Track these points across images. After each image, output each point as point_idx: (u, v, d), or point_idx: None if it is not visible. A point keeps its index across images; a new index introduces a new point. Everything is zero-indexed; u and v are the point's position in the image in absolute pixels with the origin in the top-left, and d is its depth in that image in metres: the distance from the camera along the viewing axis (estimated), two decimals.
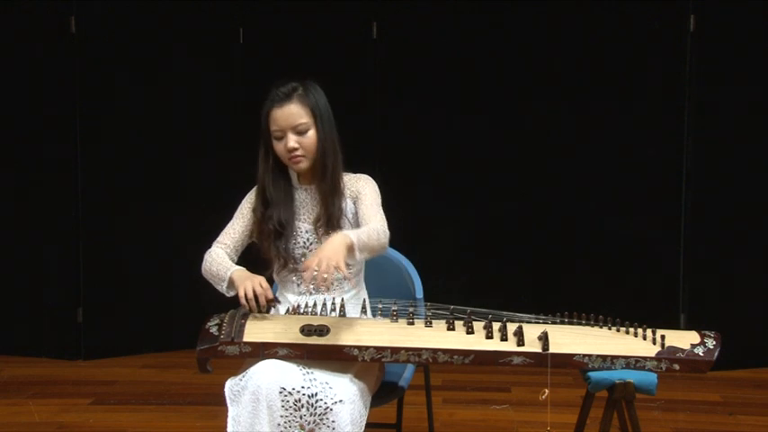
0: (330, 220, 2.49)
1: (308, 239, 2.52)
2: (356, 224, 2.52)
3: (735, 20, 4.20)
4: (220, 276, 2.48)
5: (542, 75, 4.47)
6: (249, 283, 2.37)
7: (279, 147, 2.50)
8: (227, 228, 2.60)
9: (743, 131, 4.24)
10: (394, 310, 2.39)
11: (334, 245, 2.20)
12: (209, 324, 2.32)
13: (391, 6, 4.53)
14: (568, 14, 4.42)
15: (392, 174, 4.23)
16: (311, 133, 2.49)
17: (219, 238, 2.59)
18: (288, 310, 2.47)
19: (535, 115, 4.48)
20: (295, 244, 2.52)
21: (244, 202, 2.62)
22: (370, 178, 2.60)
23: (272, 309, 2.44)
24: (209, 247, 2.58)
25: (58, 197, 4.45)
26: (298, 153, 2.48)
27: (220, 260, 2.51)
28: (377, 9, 4.54)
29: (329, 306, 2.44)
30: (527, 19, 4.46)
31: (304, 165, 2.51)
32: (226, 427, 2.24)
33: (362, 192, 2.54)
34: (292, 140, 2.47)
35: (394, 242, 2.69)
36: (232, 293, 2.47)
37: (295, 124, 2.46)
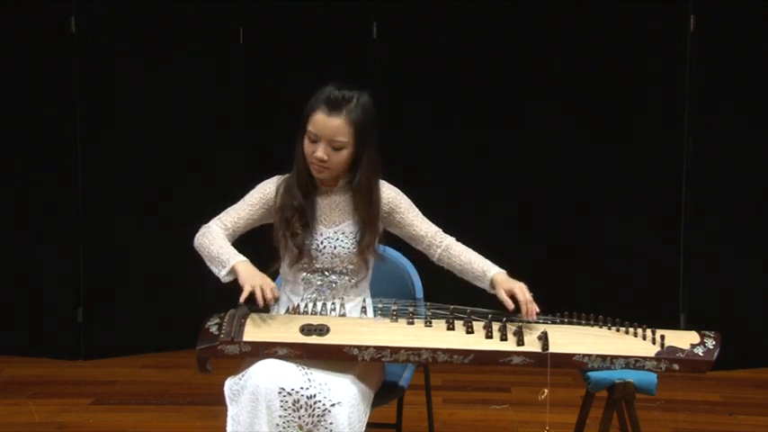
0: (366, 229, 2.49)
1: (321, 241, 2.49)
2: (405, 236, 2.60)
3: (735, 20, 4.19)
4: (221, 260, 2.37)
5: (542, 75, 4.46)
6: (258, 283, 2.31)
7: (309, 148, 2.43)
8: (230, 209, 2.52)
9: (743, 131, 4.24)
10: (394, 310, 2.39)
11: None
12: (209, 323, 2.32)
13: (391, 6, 4.53)
14: (568, 14, 4.42)
15: (392, 174, 4.21)
16: (345, 152, 2.43)
17: (221, 217, 2.51)
18: (288, 309, 2.47)
19: (535, 115, 4.48)
20: (312, 240, 2.49)
21: (255, 191, 2.54)
22: (394, 187, 2.64)
23: (273, 308, 2.44)
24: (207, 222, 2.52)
25: (58, 197, 4.44)
26: (323, 165, 2.43)
27: (222, 242, 2.42)
28: (377, 9, 4.54)
29: (329, 306, 2.44)
30: (527, 19, 4.46)
31: (324, 176, 2.47)
32: (225, 426, 2.25)
33: (404, 205, 2.62)
34: (323, 151, 2.40)
35: (394, 242, 2.70)
36: (228, 279, 2.37)
37: (333, 139, 2.40)
